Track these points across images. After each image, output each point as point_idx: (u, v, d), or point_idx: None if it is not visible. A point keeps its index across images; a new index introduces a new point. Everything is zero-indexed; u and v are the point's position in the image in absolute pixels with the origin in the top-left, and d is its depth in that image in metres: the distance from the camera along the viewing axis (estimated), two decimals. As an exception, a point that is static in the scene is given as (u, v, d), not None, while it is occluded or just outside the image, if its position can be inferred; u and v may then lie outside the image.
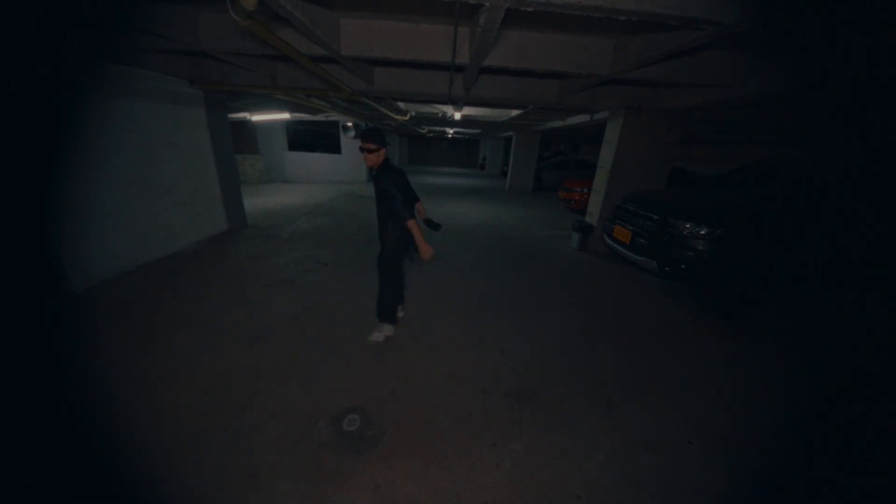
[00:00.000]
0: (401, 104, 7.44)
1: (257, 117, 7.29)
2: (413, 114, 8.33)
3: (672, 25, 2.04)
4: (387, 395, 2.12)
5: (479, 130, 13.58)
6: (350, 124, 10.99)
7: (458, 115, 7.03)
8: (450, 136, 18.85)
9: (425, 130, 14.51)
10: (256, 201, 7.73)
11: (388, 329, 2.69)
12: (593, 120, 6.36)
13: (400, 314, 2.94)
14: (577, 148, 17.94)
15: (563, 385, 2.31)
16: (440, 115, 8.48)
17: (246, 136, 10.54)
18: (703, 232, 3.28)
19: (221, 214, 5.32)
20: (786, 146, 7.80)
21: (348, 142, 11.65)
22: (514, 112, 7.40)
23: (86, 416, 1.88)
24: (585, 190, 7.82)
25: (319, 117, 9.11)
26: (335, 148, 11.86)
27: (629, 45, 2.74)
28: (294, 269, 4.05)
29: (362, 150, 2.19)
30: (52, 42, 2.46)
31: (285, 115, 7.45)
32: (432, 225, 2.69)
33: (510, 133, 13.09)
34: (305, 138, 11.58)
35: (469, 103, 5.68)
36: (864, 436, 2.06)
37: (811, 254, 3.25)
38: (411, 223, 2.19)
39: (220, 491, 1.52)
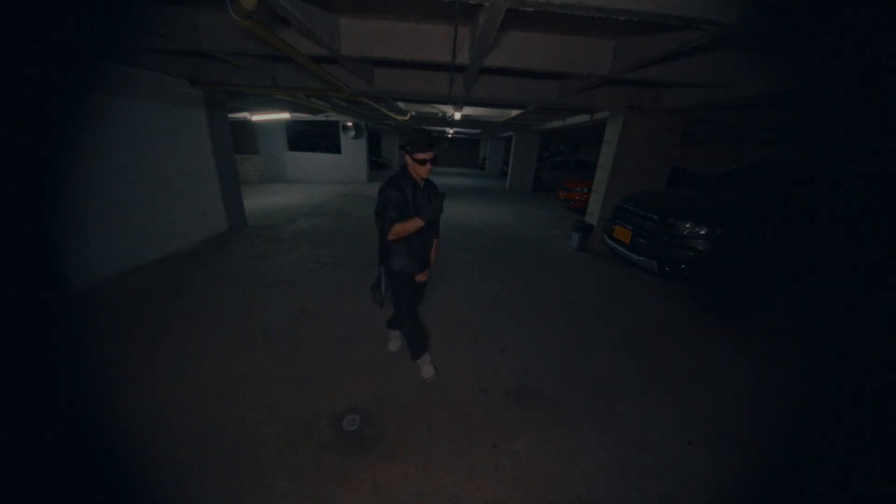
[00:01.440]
0: (401, 104, 7.45)
1: (257, 117, 7.28)
2: (413, 114, 8.33)
3: (672, 25, 2.03)
4: (387, 395, 2.12)
5: (479, 130, 13.58)
6: (350, 124, 10.99)
7: (458, 115, 7.03)
8: (450, 136, 18.85)
9: (425, 130, 14.49)
10: (256, 201, 7.73)
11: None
12: (593, 120, 6.36)
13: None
14: (577, 148, 17.93)
15: (563, 385, 2.31)
16: (440, 115, 8.48)
17: (246, 136, 10.54)
18: (703, 232, 3.28)
19: (221, 214, 5.32)
20: (786, 146, 7.79)
21: (348, 142, 11.64)
22: (514, 112, 7.40)
23: (86, 416, 1.88)
24: (585, 190, 7.82)
25: (319, 117, 9.11)
26: (335, 148, 11.86)
27: (629, 46, 2.74)
28: (294, 269, 4.05)
29: (423, 161, 1.80)
30: (52, 42, 2.46)
31: (285, 115, 7.45)
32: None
33: (510, 133, 13.08)
34: (305, 138, 11.57)
35: (469, 103, 5.68)
36: (865, 436, 2.06)
37: (811, 253, 3.25)
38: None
39: (220, 491, 1.52)
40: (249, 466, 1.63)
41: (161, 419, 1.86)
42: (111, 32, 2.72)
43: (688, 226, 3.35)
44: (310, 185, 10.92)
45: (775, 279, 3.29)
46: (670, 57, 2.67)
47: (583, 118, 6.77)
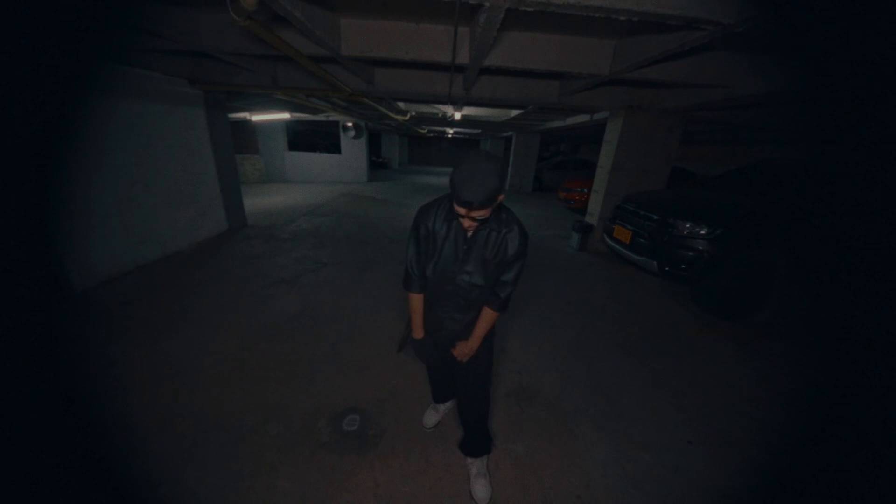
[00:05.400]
0: (401, 104, 7.44)
1: (257, 117, 7.29)
2: (413, 114, 8.33)
3: (672, 25, 2.03)
4: (387, 395, 2.12)
5: (479, 130, 13.57)
6: (350, 124, 10.99)
7: (458, 115, 7.03)
8: (450, 136, 18.84)
9: (425, 130, 14.51)
10: (256, 201, 7.72)
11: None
12: (593, 120, 6.36)
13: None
14: (577, 148, 17.93)
15: (563, 385, 2.31)
16: (440, 115, 8.47)
17: (246, 136, 10.53)
18: (703, 232, 3.27)
19: (221, 214, 5.31)
20: (786, 146, 7.79)
21: (348, 142, 11.65)
22: (514, 112, 7.40)
23: (86, 416, 1.88)
24: (585, 190, 7.82)
25: (319, 117, 9.10)
26: (335, 148, 11.86)
27: (629, 46, 2.74)
28: (294, 269, 4.05)
29: (474, 218, 1.11)
30: (52, 42, 2.46)
31: (285, 115, 7.45)
32: None
33: (510, 133, 13.08)
34: (305, 138, 11.60)
35: (469, 103, 5.68)
36: (865, 436, 2.05)
37: (811, 253, 3.25)
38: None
39: (220, 491, 1.52)
40: (249, 466, 1.63)
41: (161, 419, 1.86)
42: (111, 32, 2.72)
43: (688, 226, 3.35)
44: (310, 185, 10.91)
45: (775, 279, 3.29)
46: (670, 57, 2.67)
47: (583, 118, 6.76)
